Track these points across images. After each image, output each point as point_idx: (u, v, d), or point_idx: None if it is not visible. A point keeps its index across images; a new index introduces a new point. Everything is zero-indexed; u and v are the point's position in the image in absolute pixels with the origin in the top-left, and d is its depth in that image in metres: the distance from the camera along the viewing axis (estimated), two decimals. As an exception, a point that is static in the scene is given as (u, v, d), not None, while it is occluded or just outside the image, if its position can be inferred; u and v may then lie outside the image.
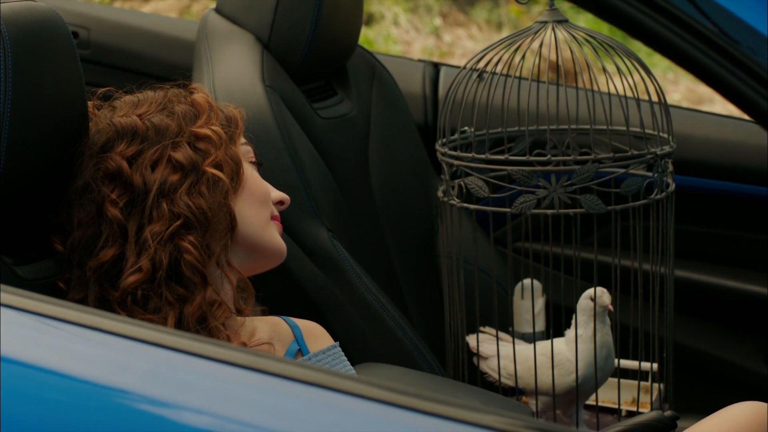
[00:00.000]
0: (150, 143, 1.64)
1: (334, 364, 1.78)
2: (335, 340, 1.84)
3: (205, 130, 1.67)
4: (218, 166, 1.66)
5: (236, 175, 1.68)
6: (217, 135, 1.68)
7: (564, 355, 2.03)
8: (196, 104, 1.70)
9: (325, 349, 1.79)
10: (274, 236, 1.73)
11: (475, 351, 2.12)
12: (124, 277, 1.58)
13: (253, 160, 1.76)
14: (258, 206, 1.71)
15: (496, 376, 2.10)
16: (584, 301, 2.02)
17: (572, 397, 2.05)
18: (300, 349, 1.77)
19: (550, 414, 2.08)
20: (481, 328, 2.12)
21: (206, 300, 1.61)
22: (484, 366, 2.12)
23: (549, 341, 2.06)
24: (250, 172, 1.73)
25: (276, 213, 1.75)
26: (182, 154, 1.64)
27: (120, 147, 1.63)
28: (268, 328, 1.77)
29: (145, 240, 1.59)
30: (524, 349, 2.08)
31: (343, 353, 1.81)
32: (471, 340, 2.11)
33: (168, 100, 1.70)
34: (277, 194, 1.76)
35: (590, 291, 2.02)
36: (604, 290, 2.01)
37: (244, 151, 1.74)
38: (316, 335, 1.83)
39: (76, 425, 1.15)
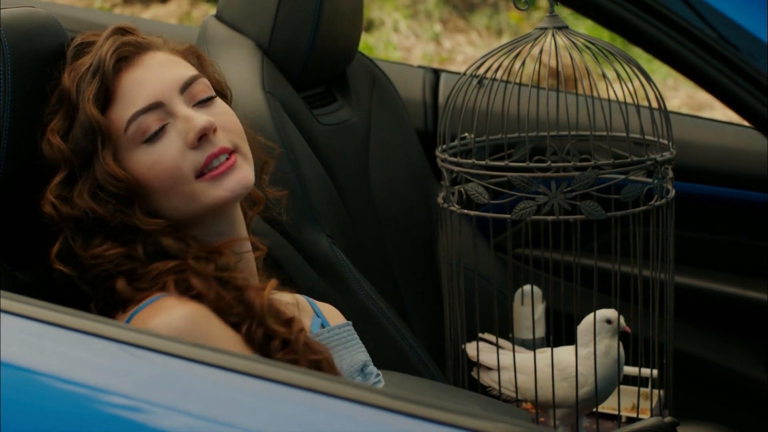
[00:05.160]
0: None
1: (349, 339, 1.79)
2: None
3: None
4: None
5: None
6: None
7: (572, 369, 2.02)
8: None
9: (342, 324, 1.80)
10: (208, 196, 1.57)
11: (475, 360, 2.11)
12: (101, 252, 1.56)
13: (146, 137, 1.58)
14: (169, 187, 1.57)
15: (497, 387, 2.09)
16: (599, 324, 2.01)
17: (574, 409, 2.05)
18: (322, 323, 1.78)
19: (549, 422, 2.07)
20: (481, 335, 2.11)
21: (201, 252, 1.58)
22: (485, 378, 2.11)
23: (550, 352, 2.05)
24: (139, 159, 1.58)
25: (202, 160, 1.56)
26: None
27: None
28: (291, 297, 1.76)
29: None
30: (527, 359, 2.07)
31: (356, 332, 1.82)
32: (471, 349, 2.10)
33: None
34: (196, 126, 1.56)
35: (603, 312, 2.01)
36: (615, 312, 2.01)
37: (133, 131, 1.58)
38: (333, 315, 1.83)
39: (76, 431, 1.15)
